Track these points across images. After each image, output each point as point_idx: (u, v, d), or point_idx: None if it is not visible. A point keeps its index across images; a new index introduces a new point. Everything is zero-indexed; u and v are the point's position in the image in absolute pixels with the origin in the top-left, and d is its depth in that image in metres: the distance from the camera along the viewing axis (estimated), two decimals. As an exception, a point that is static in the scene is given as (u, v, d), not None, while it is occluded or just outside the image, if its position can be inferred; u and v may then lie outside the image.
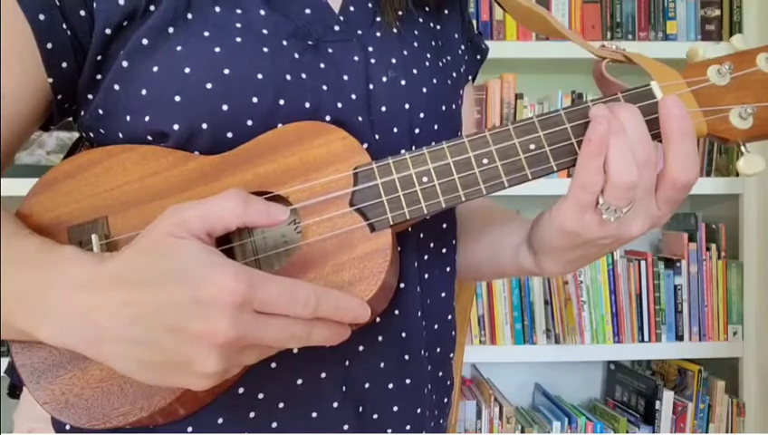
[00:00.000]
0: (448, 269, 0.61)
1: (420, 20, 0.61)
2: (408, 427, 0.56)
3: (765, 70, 0.49)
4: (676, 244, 1.63)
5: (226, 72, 0.49)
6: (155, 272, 0.39)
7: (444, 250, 0.61)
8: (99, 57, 0.50)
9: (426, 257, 0.58)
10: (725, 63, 0.49)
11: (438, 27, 0.64)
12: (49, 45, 0.48)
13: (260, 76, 0.49)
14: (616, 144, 0.45)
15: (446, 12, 0.65)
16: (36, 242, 0.45)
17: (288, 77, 0.50)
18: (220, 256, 0.40)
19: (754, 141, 0.49)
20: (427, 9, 0.62)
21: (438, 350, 0.60)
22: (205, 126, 0.49)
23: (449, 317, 0.61)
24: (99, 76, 0.50)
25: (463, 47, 0.67)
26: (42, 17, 0.47)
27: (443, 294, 0.60)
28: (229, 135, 0.49)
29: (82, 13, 0.48)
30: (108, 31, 0.49)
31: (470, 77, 0.71)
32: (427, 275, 0.58)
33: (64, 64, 0.49)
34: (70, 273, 0.41)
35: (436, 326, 0.59)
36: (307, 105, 0.51)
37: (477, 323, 1.57)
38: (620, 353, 1.60)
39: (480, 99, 1.58)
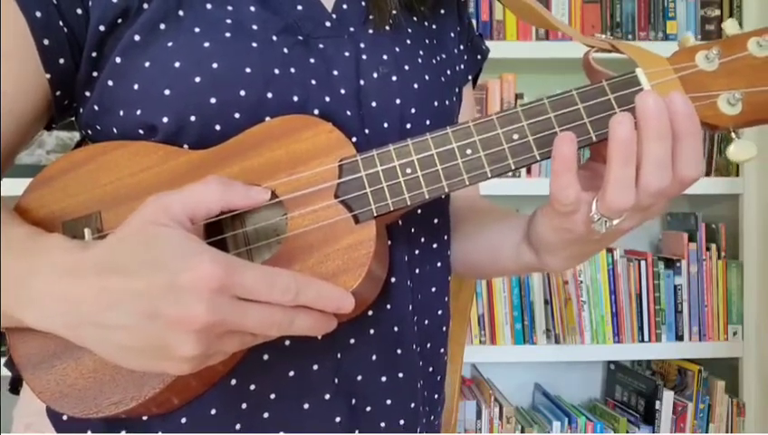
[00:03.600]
0: (439, 265, 0.62)
1: (414, 18, 0.62)
2: (401, 422, 0.56)
3: (756, 54, 0.48)
4: (676, 244, 1.63)
5: (215, 66, 0.49)
6: (134, 259, 0.39)
7: (435, 245, 0.61)
8: (94, 54, 0.51)
9: (417, 252, 0.59)
10: (714, 48, 0.48)
11: (434, 26, 0.64)
12: (46, 42, 0.49)
13: (248, 70, 0.50)
14: (622, 171, 0.44)
15: (441, 11, 0.65)
16: (25, 231, 0.47)
17: (276, 71, 0.51)
18: (199, 242, 0.40)
19: (744, 127, 0.48)
20: (422, 8, 0.63)
21: (429, 345, 0.60)
22: (193, 119, 0.49)
23: (440, 313, 0.61)
24: (95, 73, 0.51)
25: (462, 47, 0.68)
26: (38, 14, 0.48)
27: (433, 290, 0.61)
28: (217, 128, 0.50)
29: (79, 11, 0.50)
30: (102, 28, 0.50)
31: (470, 77, 0.71)
32: (418, 271, 0.59)
33: (62, 61, 0.50)
34: (54, 260, 0.43)
35: (426, 322, 0.60)
36: (295, 99, 0.52)
37: (477, 323, 1.57)
38: (620, 353, 1.60)
39: (480, 99, 1.58)
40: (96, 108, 0.52)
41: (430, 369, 0.61)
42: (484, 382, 1.64)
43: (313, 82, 0.53)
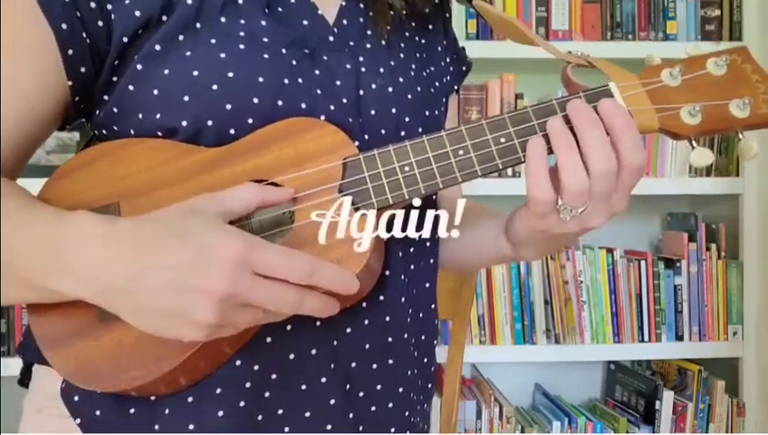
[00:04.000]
0: (432, 261, 0.67)
1: (407, 34, 0.67)
2: (390, 405, 0.61)
3: (714, 72, 0.54)
4: (676, 244, 1.63)
5: (230, 75, 0.54)
6: (164, 233, 0.44)
7: (428, 244, 0.66)
8: (116, 62, 0.54)
9: (411, 250, 0.63)
10: (677, 67, 0.54)
11: (423, 41, 0.69)
12: (70, 52, 0.52)
13: (261, 79, 0.54)
14: (566, 156, 0.50)
15: (429, 27, 0.70)
16: (52, 209, 0.50)
17: (286, 81, 0.55)
18: (224, 224, 0.46)
19: (703, 136, 0.54)
20: (413, 24, 0.68)
21: (424, 337, 0.65)
22: (210, 123, 0.54)
23: (432, 306, 0.67)
24: (115, 78, 0.55)
25: (448, 59, 0.73)
26: (64, 26, 0.52)
27: (427, 285, 0.66)
28: (232, 131, 0.54)
29: (100, 23, 0.53)
30: (125, 39, 0.53)
31: (455, 87, 0.76)
32: (413, 267, 0.64)
33: (83, 69, 0.54)
34: (84, 228, 0.46)
35: (421, 314, 0.65)
36: (303, 106, 0.56)
37: (477, 323, 1.57)
38: (620, 353, 1.60)
39: (480, 99, 1.58)
40: (115, 110, 0.55)
41: (425, 359, 0.66)
42: (484, 382, 1.64)
43: (319, 91, 0.57)
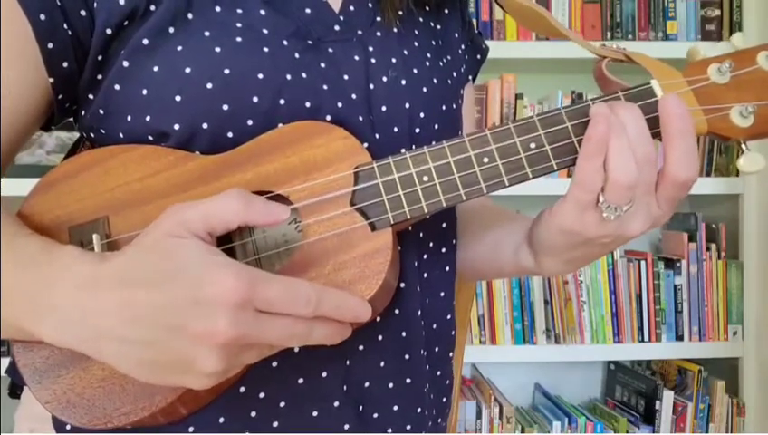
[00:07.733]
0: (448, 269, 0.61)
1: (420, 19, 0.61)
2: (408, 426, 0.56)
3: (766, 68, 0.49)
4: (676, 244, 1.63)
5: (227, 71, 0.49)
6: (156, 272, 0.39)
7: (443, 250, 0.61)
8: (99, 57, 0.50)
9: (425, 257, 0.58)
10: (726, 62, 0.49)
11: (438, 27, 0.64)
12: (50, 45, 0.48)
13: (260, 76, 0.50)
14: (616, 143, 0.45)
15: (446, 11, 0.65)
16: (38, 242, 0.45)
17: (288, 77, 0.51)
18: (221, 255, 0.40)
19: (755, 139, 0.49)
20: (427, 8, 0.62)
21: (437, 349, 0.60)
22: (205, 126, 0.49)
23: (448, 317, 0.61)
24: (99, 76, 0.50)
25: (463, 47, 0.68)
26: (42, 17, 0.47)
27: (442, 294, 0.60)
28: (230, 135, 0.49)
29: (83, 13, 0.48)
30: (108, 31, 0.49)
31: (470, 77, 0.71)
32: (426, 275, 0.58)
33: (65, 64, 0.49)
34: (71, 272, 0.41)
35: (434, 326, 0.59)
36: (308, 105, 0.51)
37: (477, 323, 1.57)
38: (620, 353, 1.60)
39: (480, 99, 1.58)
40: (101, 111, 0.51)
41: (438, 373, 0.60)
42: (484, 382, 1.64)
43: (325, 87, 0.52)
